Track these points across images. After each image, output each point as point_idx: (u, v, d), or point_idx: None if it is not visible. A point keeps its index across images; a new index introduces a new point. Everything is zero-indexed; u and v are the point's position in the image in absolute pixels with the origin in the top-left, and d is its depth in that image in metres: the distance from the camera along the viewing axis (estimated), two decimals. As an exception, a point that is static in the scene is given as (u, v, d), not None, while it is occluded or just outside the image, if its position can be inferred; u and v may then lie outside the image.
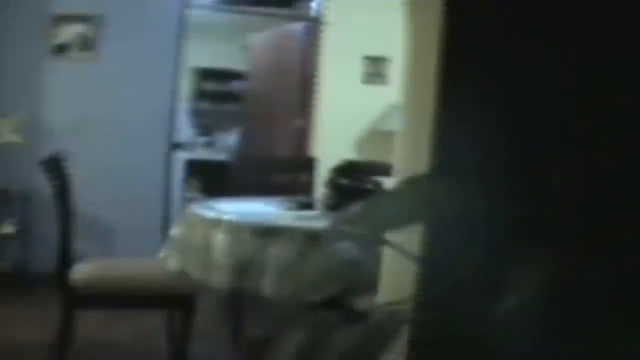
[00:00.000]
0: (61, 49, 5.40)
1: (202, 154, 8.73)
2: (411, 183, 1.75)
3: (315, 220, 3.16)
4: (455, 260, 1.71)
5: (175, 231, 3.40)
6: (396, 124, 5.96)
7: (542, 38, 1.67)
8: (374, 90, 6.19)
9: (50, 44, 5.39)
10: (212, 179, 7.19)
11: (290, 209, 3.43)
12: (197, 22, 6.27)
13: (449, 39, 1.87)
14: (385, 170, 4.27)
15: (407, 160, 2.22)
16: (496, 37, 1.74)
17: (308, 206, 3.48)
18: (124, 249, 5.25)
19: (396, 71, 5.99)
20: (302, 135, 6.20)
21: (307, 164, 4.75)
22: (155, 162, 5.62)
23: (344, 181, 3.42)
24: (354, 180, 3.46)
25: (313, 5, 6.35)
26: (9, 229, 5.15)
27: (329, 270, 2.75)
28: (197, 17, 6.14)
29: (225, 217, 3.11)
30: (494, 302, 1.51)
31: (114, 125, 5.49)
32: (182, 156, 7.71)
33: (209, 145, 9.24)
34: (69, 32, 5.39)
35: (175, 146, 5.76)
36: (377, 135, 6.23)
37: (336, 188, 3.41)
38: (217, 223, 3.09)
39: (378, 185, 3.45)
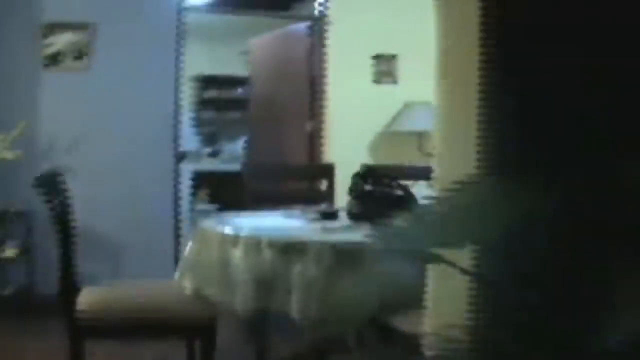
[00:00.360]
0: (54, 59, 5.15)
1: (208, 164, 8.51)
2: (463, 189, 1.53)
3: (343, 232, 2.90)
4: (524, 276, 1.47)
5: (189, 249, 3.18)
6: (410, 124, 5.79)
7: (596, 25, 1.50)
8: (384, 89, 6.06)
9: (42, 54, 5.15)
10: (221, 190, 6.97)
11: (313, 220, 3.18)
12: (195, 27, 6.06)
13: (493, 34, 1.72)
14: (403, 173, 4.03)
15: (447, 163, 2.07)
16: (544, 29, 1.59)
17: (332, 216, 3.23)
18: (133, 269, 5.03)
19: (405, 68, 5.85)
20: (314, 139, 5.97)
21: (325, 171, 4.49)
22: (161, 175, 5.41)
23: (369, 188, 3.17)
24: (380, 186, 3.20)
25: (316, 4, 6.13)
26: (10, 251, 4.92)
27: (366, 288, 2.50)
28: (194, 21, 5.92)
29: (243, 232, 2.88)
30: (581, 330, 1.27)
31: (115, 137, 5.27)
32: (187, 167, 7.50)
33: (215, 154, 9.07)
34: (62, 41, 5.15)
35: (181, 157, 5.54)
36: (390, 136, 6.06)
37: (362, 195, 3.15)
38: (234, 239, 2.87)
39: (407, 190, 3.19)
